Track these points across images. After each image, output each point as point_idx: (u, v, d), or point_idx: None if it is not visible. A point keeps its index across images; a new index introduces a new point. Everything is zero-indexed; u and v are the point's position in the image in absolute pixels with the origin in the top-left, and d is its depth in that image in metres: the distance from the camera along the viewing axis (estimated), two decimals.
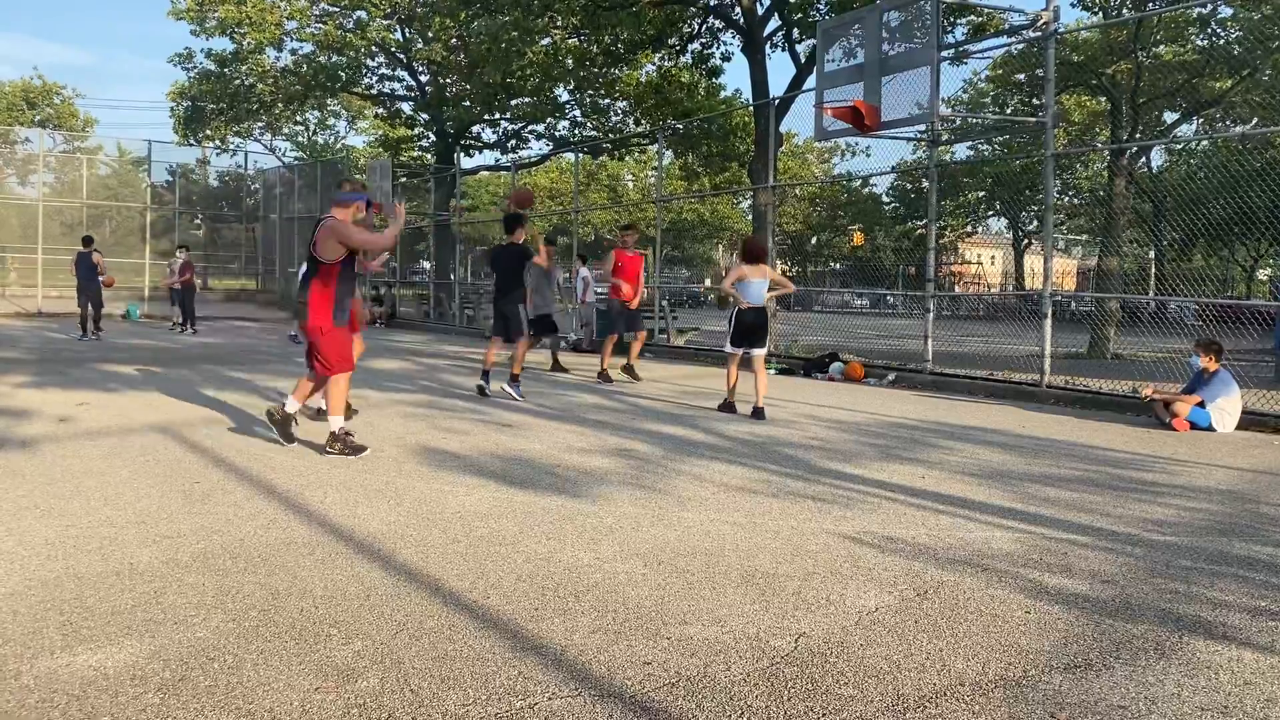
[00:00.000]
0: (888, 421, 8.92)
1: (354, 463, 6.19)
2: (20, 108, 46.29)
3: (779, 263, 9.75)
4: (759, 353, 9.18)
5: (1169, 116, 23.48)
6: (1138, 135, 20.27)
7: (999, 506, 5.38)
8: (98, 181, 34.61)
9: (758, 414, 8.82)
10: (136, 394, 9.43)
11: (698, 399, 10.17)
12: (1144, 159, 24.56)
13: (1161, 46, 20.92)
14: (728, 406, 9.22)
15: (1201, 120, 23.34)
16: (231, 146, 35.30)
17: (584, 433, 7.71)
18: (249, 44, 27.45)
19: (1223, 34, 19.92)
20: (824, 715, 2.73)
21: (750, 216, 25.97)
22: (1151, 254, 21.74)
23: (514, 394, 9.65)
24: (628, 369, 12.16)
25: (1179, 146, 25.41)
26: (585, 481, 5.80)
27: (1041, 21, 11.09)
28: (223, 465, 6.02)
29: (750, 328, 9.11)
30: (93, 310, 17.46)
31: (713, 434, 7.84)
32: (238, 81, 29.42)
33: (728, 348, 9.39)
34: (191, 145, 33.19)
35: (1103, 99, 24.79)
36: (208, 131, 32.36)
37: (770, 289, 9.42)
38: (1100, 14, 19.10)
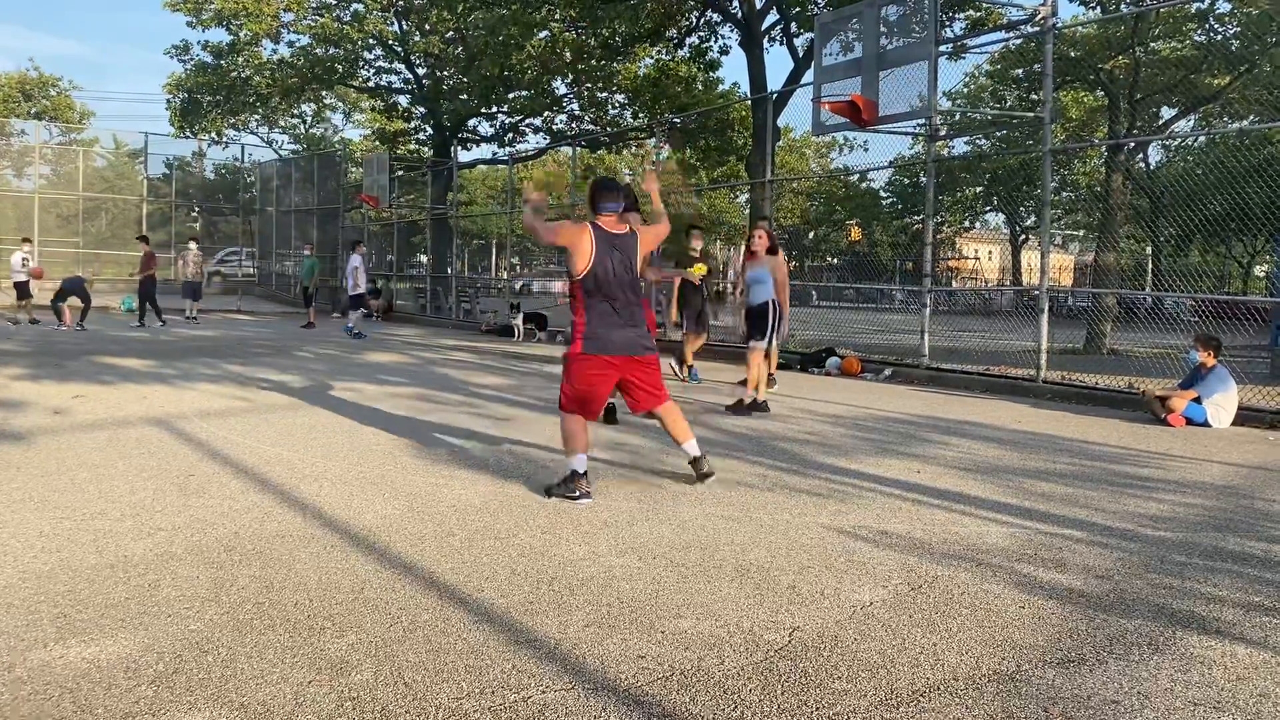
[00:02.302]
0: (883, 416, 8.92)
1: (349, 456, 6.19)
2: (16, 100, 46.15)
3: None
4: (759, 345, 8.97)
5: (1166, 112, 23.48)
6: (1135, 131, 20.26)
7: (994, 501, 5.39)
8: (94, 174, 34.55)
9: (757, 407, 8.81)
10: (132, 386, 9.41)
11: (694, 392, 10.17)
12: (1141, 155, 24.57)
13: (1159, 42, 20.90)
14: (762, 406, 8.74)
15: (1199, 116, 23.34)
16: (228, 139, 35.25)
17: None
18: (245, 36, 27.39)
19: (1221, 30, 19.91)
20: (817, 709, 2.73)
21: (748, 211, 25.98)
22: (1149, 249, 21.76)
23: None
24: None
25: (1176, 143, 25.42)
26: None
27: (1040, 16, 11.08)
28: (218, 458, 6.02)
29: (753, 319, 9.01)
30: (85, 305, 17.50)
31: (708, 428, 7.84)
32: (234, 74, 29.36)
33: (757, 342, 8.89)
34: (188, 138, 33.12)
35: (1100, 94, 24.79)
36: (204, 124, 32.29)
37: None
38: (1098, 9, 19.08)
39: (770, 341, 8.97)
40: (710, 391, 10.37)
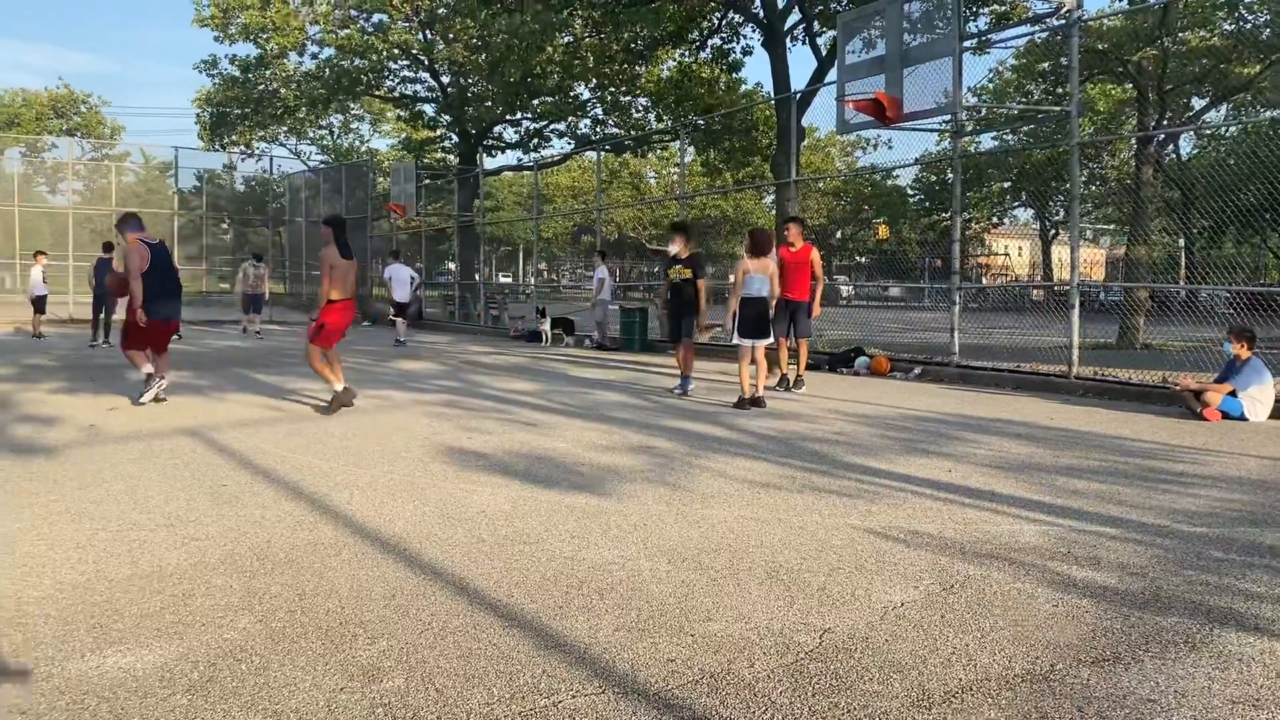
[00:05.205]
0: (913, 415, 8.86)
1: (380, 463, 6.23)
2: (48, 117, 46.90)
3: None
4: (761, 344, 9.42)
5: (1197, 103, 23.19)
6: (1164, 122, 20.02)
7: (1026, 499, 5.34)
8: (126, 188, 34.98)
9: (756, 403, 9.26)
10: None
11: (721, 395, 10.15)
12: (1171, 146, 24.27)
13: (1188, 32, 20.65)
14: (743, 403, 9.29)
15: (1230, 106, 23.02)
16: (257, 151, 35.60)
17: (607, 430, 7.71)
18: (272, 49, 27.69)
19: (1250, 19, 19.64)
20: (848, 711, 2.71)
21: (773, 211, 25.89)
22: (1181, 242, 21.48)
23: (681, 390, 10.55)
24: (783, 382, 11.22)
25: (1207, 133, 25.09)
26: (609, 479, 5.80)
27: (1065, 9, 10.98)
28: (250, 467, 6.08)
29: (751, 319, 9.32)
30: (105, 317, 17.22)
31: (735, 430, 7.83)
32: (261, 87, 29.69)
33: (736, 339, 9.53)
34: (217, 151, 33.49)
35: (1129, 86, 24.53)
36: (233, 137, 32.66)
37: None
38: (1125, 0, 18.89)
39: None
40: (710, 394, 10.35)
